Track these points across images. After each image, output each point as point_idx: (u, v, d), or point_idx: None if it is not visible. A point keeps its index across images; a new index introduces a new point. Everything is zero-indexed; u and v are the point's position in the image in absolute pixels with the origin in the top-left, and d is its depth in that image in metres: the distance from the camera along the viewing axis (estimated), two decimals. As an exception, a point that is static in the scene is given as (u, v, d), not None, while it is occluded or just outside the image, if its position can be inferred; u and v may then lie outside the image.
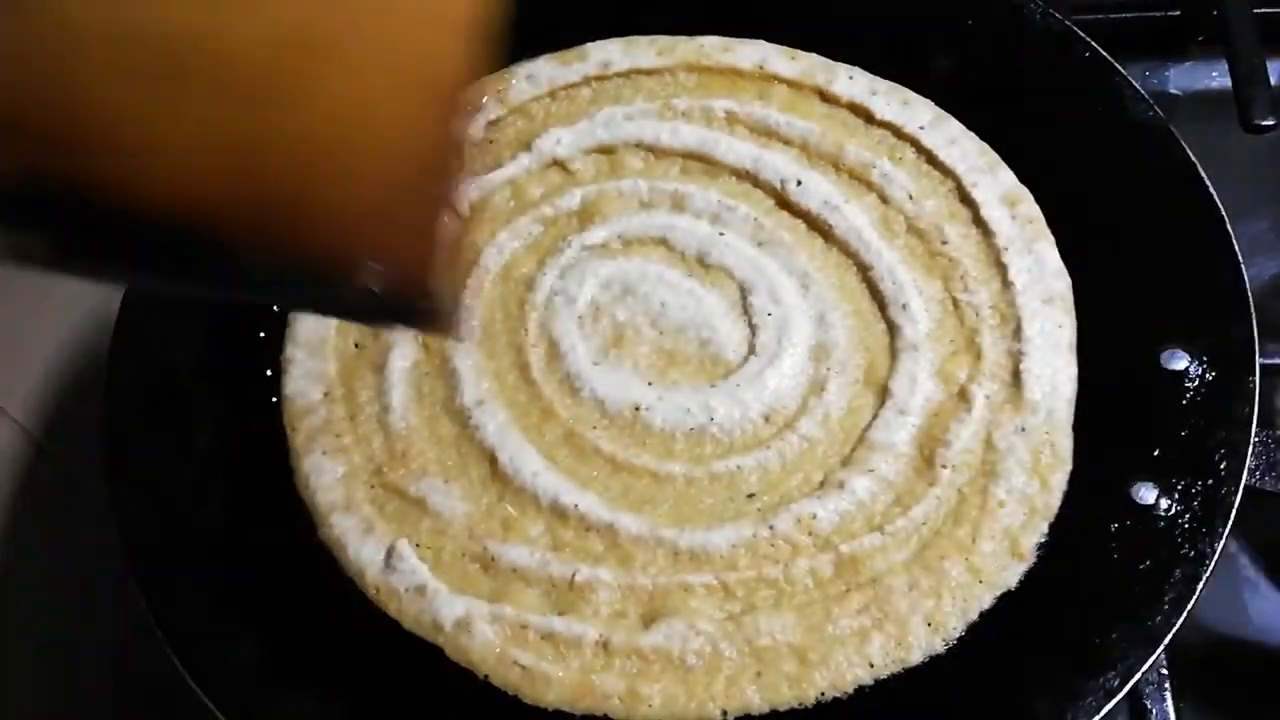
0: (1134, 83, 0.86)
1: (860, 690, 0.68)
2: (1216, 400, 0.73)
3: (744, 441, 0.76)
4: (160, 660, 0.70)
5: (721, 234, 0.84)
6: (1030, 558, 0.71)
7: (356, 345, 0.82)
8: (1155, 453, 0.73)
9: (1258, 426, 0.72)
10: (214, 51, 0.34)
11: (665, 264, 0.84)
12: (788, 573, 0.71)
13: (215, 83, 0.35)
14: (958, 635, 0.69)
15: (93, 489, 0.77)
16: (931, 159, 0.86)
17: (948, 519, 0.73)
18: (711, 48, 0.91)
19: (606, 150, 0.88)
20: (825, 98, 0.89)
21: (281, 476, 0.77)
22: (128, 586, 0.72)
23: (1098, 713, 0.65)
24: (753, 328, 0.80)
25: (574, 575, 0.71)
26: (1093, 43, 0.88)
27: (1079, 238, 0.81)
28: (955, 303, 0.80)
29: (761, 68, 0.90)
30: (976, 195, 0.83)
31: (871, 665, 0.68)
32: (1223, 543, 0.69)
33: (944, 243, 0.82)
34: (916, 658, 0.68)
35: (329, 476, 0.76)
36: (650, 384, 0.79)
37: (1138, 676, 0.65)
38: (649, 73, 0.91)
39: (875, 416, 0.76)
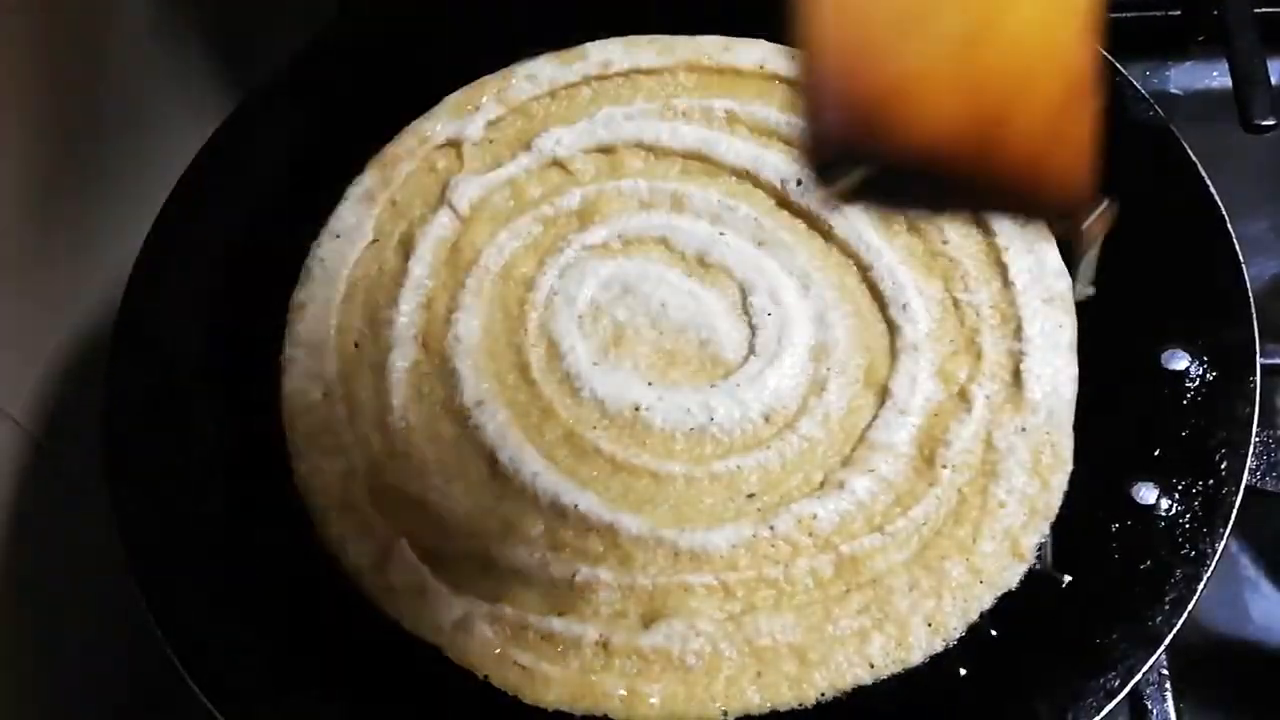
0: (1134, 82, 0.86)
1: (860, 690, 0.68)
2: (1217, 400, 0.73)
3: (744, 441, 0.76)
4: (160, 660, 0.70)
5: (722, 234, 0.84)
6: (1031, 558, 0.71)
7: (356, 345, 0.82)
8: (1156, 453, 0.73)
9: (1258, 426, 0.72)
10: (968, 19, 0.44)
11: (665, 264, 0.84)
12: (788, 573, 0.71)
13: (960, 39, 0.43)
14: (958, 635, 0.69)
15: (93, 489, 0.77)
16: (932, 159, 0.85)
17: (948, 519, 0.72)
18: (711, 47, 0.91)
19: (606, 150, 0.88)
20: (825, 97, 0.89)
21: (281, 476, 0.77)
22: (128, 586, 0.72)
23: (1098, 713, 0.65)
24: (753, 328, 0.80)
25: (574, 575, 0.71)
26: (1093, 43, 0.88)
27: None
28: (956, 303, 0.80)
29: (762, 67, 0.90)
30: (977, 195, 0.83)
31: (872, 666, 0.68)
32: (1223, 543, 0.69)
33: (944, 242, 0.82)
34: (917, 658, 0.68)
35: (328, 476, 0.76)
36: (650, 384, 0.79)
37: (1138, 677, 0.65)
38: (649, 72, 0.91)
39: (875, 416, 0.76)
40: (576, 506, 0.73)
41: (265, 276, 0.85)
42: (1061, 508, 0.72)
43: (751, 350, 0.80)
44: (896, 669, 0.68)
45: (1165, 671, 0.80)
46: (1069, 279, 0.80)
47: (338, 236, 0.86)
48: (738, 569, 0.71)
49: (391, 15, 0.98)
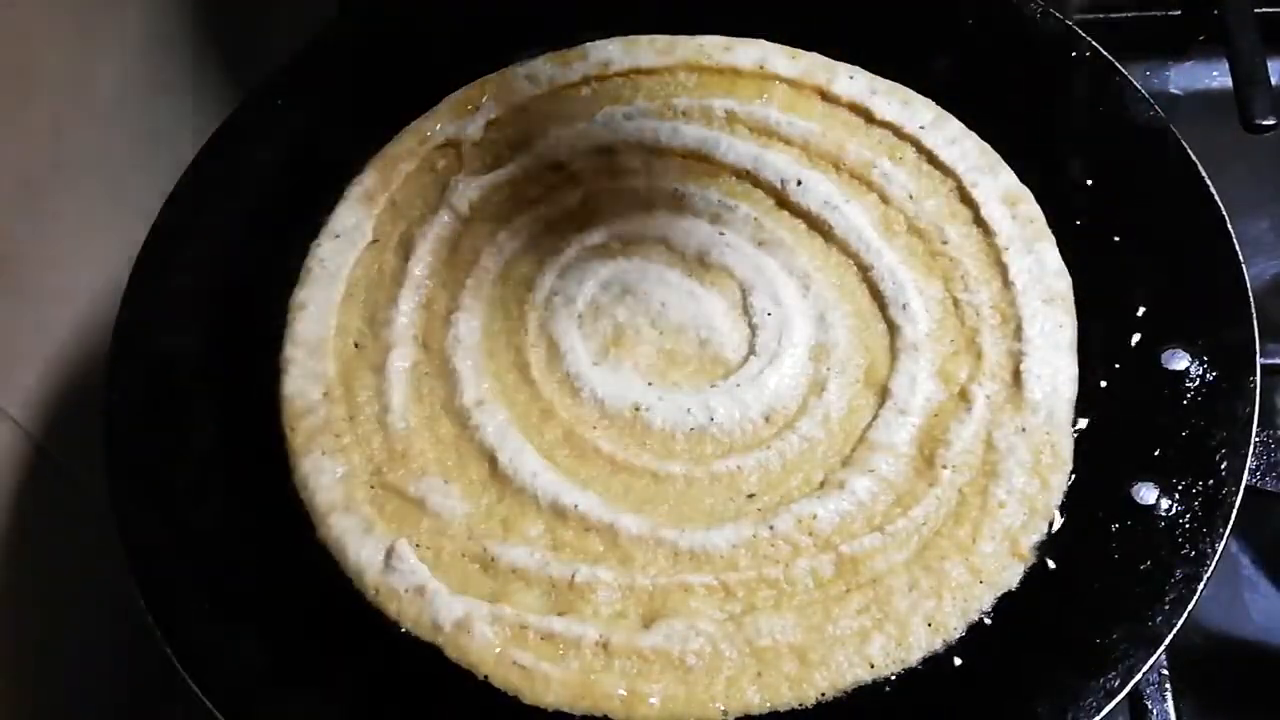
0: (1135, 82, 0.86)
1: (860, 690, 0.68)
2: (1217, 400, 0.73)
3: (744, 441, 0.76)
4: (160, 660, 0.70)
5: (721, 234, 0.84)
6: (1030, 558, 0.71)
7: (356, 345, 0.82)
8: (1156, 453, 0.73)
9: (1258, 426, 0.72)
10: None
11: (665, 264, 0.84)
12: (788, 573, 0.70)
13: None
14: (958, 635, 0.69)
15: (93, 489, 0.77)
16: (932, 159, 0.85)
17: (948, 519, 0.72)
18: (711, 47, 0.91)
19: (606, 150, 0.88)
20: (825, 97, 0.89)
21: (281, 477, 0.77)
22: (128, 586, 0.72)
23: (1098, 713, 0.65)
24: (753, 328, 0.80)
25: (574, 575, 0.71)
26: (1093, 42, 0.88)
27: (1079, 237, 0.81)
28: (956, 303, 0.80)
29: (762, 67, 0.90)
30: (977, 195, 0.83)
31: (872, 666, 0.68)
32: (1223, 543, 0.69)
33: (944, 242, 0.82)
34: (916, 658, 0.68)
35: (328, 477, 0.76)
36: (650, 384, 0.79)
37: (1138, 677, 0.65)
38: (649, 72, 0.91)
39: (875, 417, 0.76)
40: (576, 506, 0.73)
41: (265, 276, 0.85)
42: (1061, 508, 0.72)
43: (751, 350, 0.80)
44: (896, 669, 0.68)
45: (1165, 671, 0.80)
46: (1069, 279, 0.80)
47: (337, 236, 0.86)
48: (738, 569, 0.71)
49: (391, 15, 0.98)
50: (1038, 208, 0.83)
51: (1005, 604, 0.70)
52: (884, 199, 0.84)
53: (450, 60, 0.93)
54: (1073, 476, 0.73)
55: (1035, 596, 0.70)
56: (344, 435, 0.78)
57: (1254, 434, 0.72)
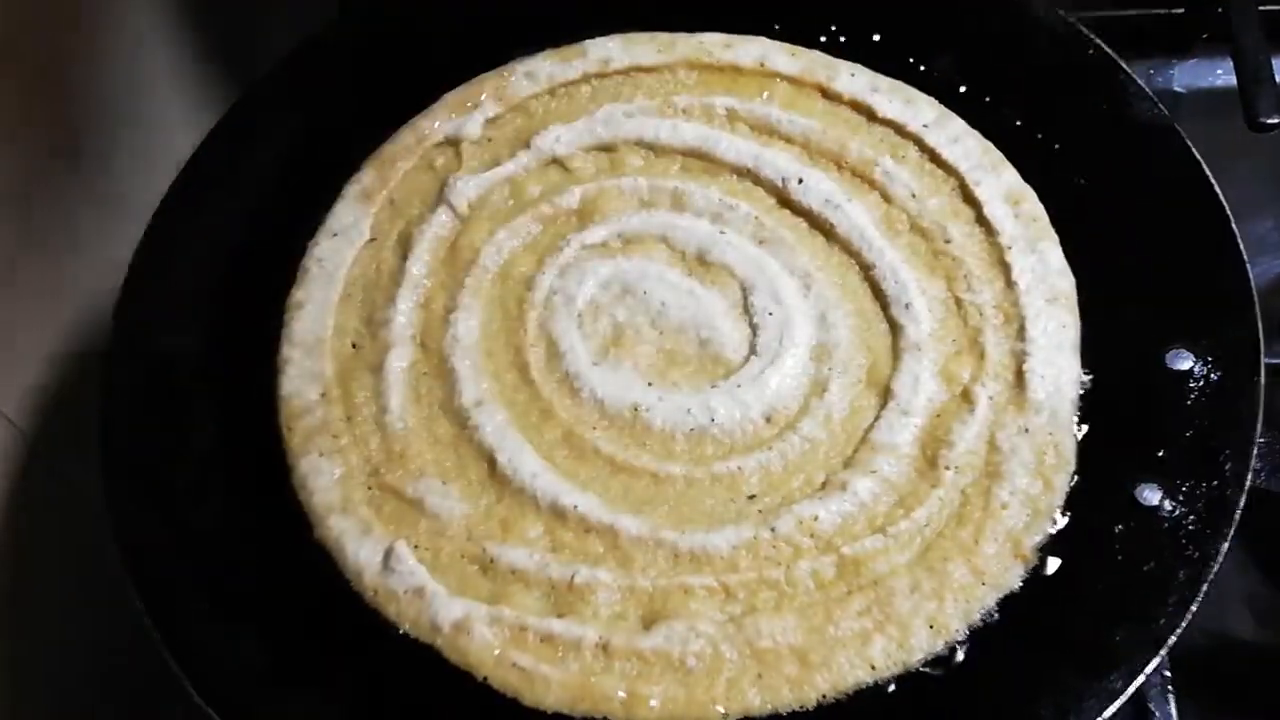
0: (1138, 81, 0.86)
1: (861, 692, 0.67)
2: (1221, 401, 0.73)
3: (745, 442, 0.76)
4: (159, 660, 0.70)
5: (722, 233, 0.84)
6: (1033, 559, 0.70)
7: (354, 345, 0.82)
8: (1159, 454, 0.72)
9: (1262, 427, 0.72)
10: None
11: (665, 263, 0.83)
12: (789, 574, 0.70)
13: None
14: (960, 637, 0.69)
15: (90, 489, 0.77)
16: (934, 157, 0.85)
17: (950, 520, 0.72)
18: (712, 45, 0.91)
19: (606, 148, 0.88)
20: (827, 95, 0.89)
21: (279, 477, 0.77)
22: (127, 586, 0.72)
23: (1101, 714, 0.65)
24: (754, 327, 0.80)
25: (573, 577, 0.71)
26: (1097, 40, 0.88)
27: (1083, 237, 0.81)
28: (958, 302, 0.80)
29: (762, 65, 0.90)
30: (979, 194, 0.83)
31: (873, 667, 0.68)
32: (1227, 544, 0.68)
33: (947, 242, 0.82)
34: (918, 660, 0.68)
35: (326, 478, 0.76)
36: (650, 384, 0.78)
37: (1141, 678, 0.65)
38: (649, 70, 0.91)
39: (878, 417, 0.76)
40: (576, 507, 0.73)
41: (262, 276, 0.84)
42: (1064, 509, 0.72)
43: (752, 350, 0.79)
44: (898, 671, 0.68)
45: (1168, 673, 0.80)
46: (1072, 278, 0.80)
47: (335, 235, 0.86)
48: (738, 570, 0.71)
49: (391, 15, 0.98)
50: (1041, 207, 0.82)
51: (1008, 605, 0.70)
52: (886, 198, 0.84)
53: (449, 58, 0.93)
54: (1076, 477, 0.73)
55: (1038, 598, 0.69)
56: (342, 436, 0.77)
57: (1258, 435, 0.71)
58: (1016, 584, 0.70)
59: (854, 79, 0.89)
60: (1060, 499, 0.72)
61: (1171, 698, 0.81)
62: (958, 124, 0.86)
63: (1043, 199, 0.83)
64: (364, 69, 0.94)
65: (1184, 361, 0.75)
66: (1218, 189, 0.80)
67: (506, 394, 0.79)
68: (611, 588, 0.70)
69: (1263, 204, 1.06)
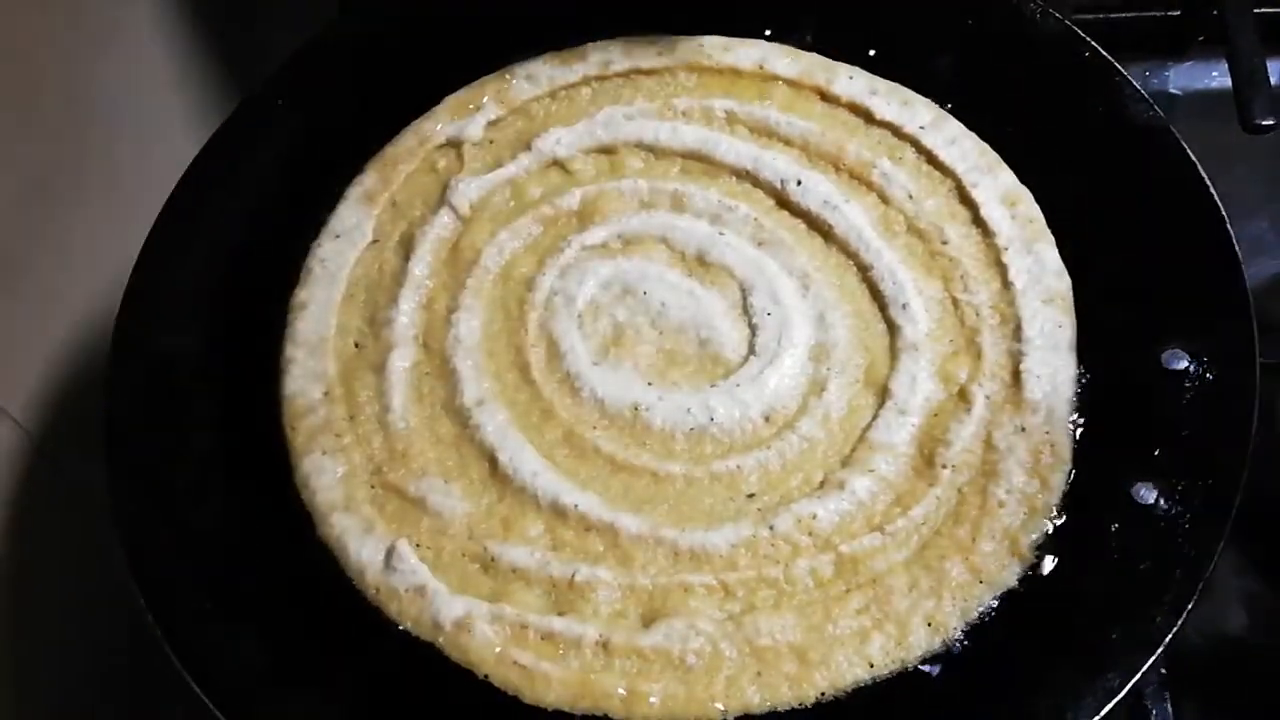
0: (1134, 82, 0.86)
1: (860, 690, 0.68)
2: (1217, 400, 0.73)
3: (744, 441, 0.76)
4: (160, 660, 0.70)
5: (721, 234, 0.84)
6: (1030, 558, 0.71)
7: (356, 345, 0.82)
8: (1155, 453, 0.73)
9: (1258, 426, 0.72)
10: None
11: (665, 264, 0.84)
12: (788, 573, 0.71)
13: None
14: (958, 635, 0.69)
15: (93, 489, 0.77)
16: (931, 159, 0.85)
17: (948, 519, 0.72)
18: (711, 47, 0.91)
19: (606, 150, 0.88)
20: (825, 97, 0.89)
21: (281, 476, 0.77)
22: (128, 586, 0.72)
23: (1098, 713, 0.65)
24: (753, 328, 0.80)
25: (574, 575, 0.71)
26: (1093, 42, 0.88)
27: (1079, 238, 0.81)
28: (955, 303, 0.80)
29: (761, 67, 0.90)
30: (976, 195, 0.83)
31: (871, 665, 0.68)
32: (1223, 543, 0.69)
33: (944, 242, 0.82)
34: (916, 658, 0.68)
35: (329, 476, 0.76)
36: (650, 384, 0.79)
37: (1138, 676, 0.65)
38: (649, 73, 0.91)
39: (875, 416, 0.76)
40: (576, 506, 0.73)
41: (265, 276, 0.85)
42: (1061, 507, 0.72)
43: (751, 350, 0.80)
44: (896, 669, 0.68)
45: (1165, 671, 0.80)
46: (1068, 279, 0.80)
47: (338, 236, 0.86)
48: (737, 569, 0.71)
49: (391, 15, 0.98)
50: (1037, 208, 0.83)
51: (1005, 603, 0.70)
52: (884, 199, 0.84)
53: (450, 60, 0.93)
54: (1072, 476, 0.73)
55: (1035, 596, 0.70)
56: (344, 435, 0.78)
57: (1253, 434, 0.72)
58: (1014, 582, 0.70)
59: (852, 81, 0.89)
60: (1057, 498, 0.72)
61: (1168, 696, 0.81)
62: (955, 126, 0.87)
63: (1039, 200, 0.83)
64: (366, 72, 0.94)
65: (1180, 361, 0.75)
66: (1213, 190, 0.80)
67: (508, 394, 0.79)
68: (612, 586, 0.71)
69: (1258, 205, 1.06)
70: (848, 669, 0.68)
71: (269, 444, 0.78)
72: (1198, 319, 0.76)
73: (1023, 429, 0.74)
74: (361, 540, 0.73)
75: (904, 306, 0.79)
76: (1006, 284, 0.80)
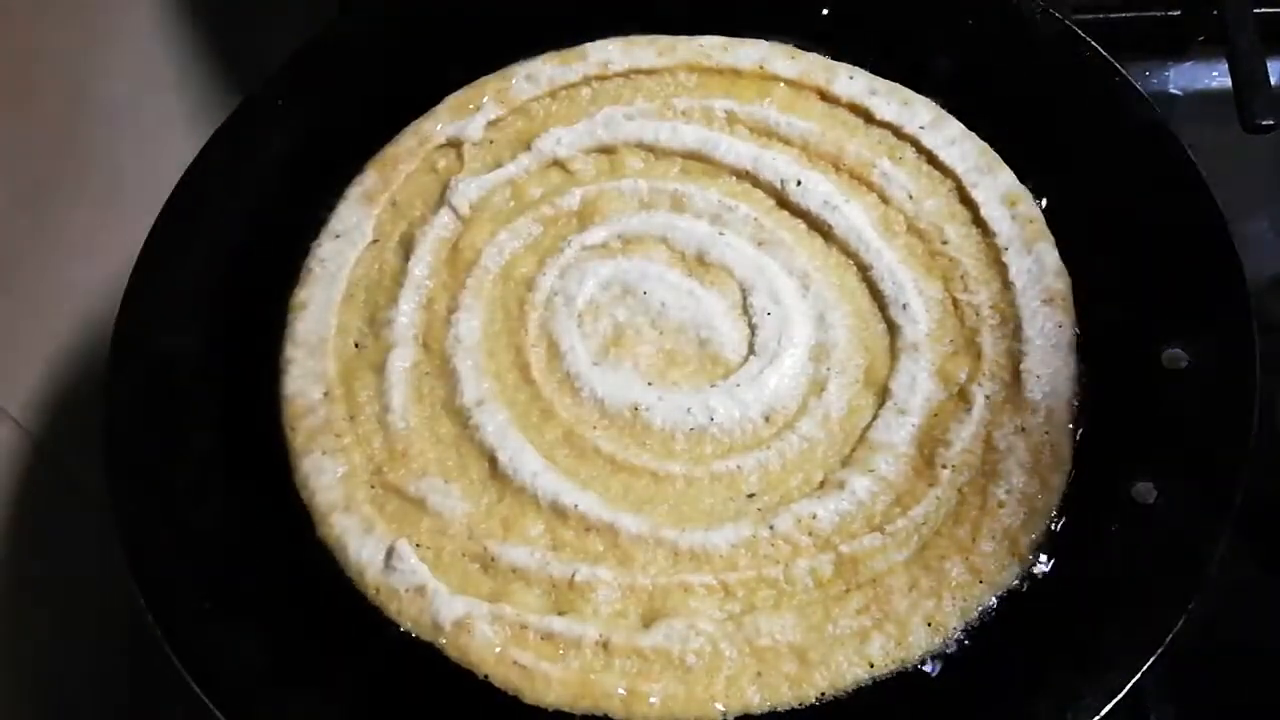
0: (1134, 82, 0.86)
1: (860, 690, 0.68)
2: (1217, 400, 0.73)
3: (744, 441, 0.76)
4: (160, 660, 0.70)
5: (721, 234, 0.84)
6: (1030, 558, 0.71)
7: (356, 345, 0.82)
8: (1155, 452, 0.73)
9: (1257, 426, 0.72)
10: None
11: (665, 264, 0.84)
12: (788, 573, 0.71)
13: None
14: (957, 635, 0.69)
15: (93, 489, 0.77)
16: (931, 159, 0.86)
17: (948, 519, 0.72)
18: (711, 47, 0.91)
19: (606, 150, 0.88)
20: (825, 97, 0.89)
21: (281, 476, 0.77)
22: (128, 586, 0.72)
23: (1098, 713, 0.65)
24: (752, 328, 0.80)
25: (574, 575, 0.71)
26: (1093, 42, 0.88)
27: (1079, 237, 0.81)
28: (955, 303, 0.80)
29: (761, 67, 0.90)
30: (976, 195, 0.83)
31: (871, 665, 0.68)
32: (1223, 543, 0.69)
33: (944, 242, 0.82)
34: (916, 658, 0.68)
35: (329, 476, 0.76)
36: (650, 384, 0.79)
37: (1138, 676, 0.65)
38: (649, 73, 0.91)
39: (875, 416, 0.76)
40: (576, 506, 0.73)
41: (265, 276, 0.85)
42: (1061, 507, 0.72)
43: (751, 350, 0.80)
44: (896, 669, 0.68)
45: (1165, 671, 0.80)
46: (1068, 278, 0.80)
47: (338, 236, 0.86)
48: (737, 569, 0.71)
49: (391, 15, 0.98)
50: (1037, 208, 0.83)
51: (1005, 603, 0.70)
52: (884, 199, 0.85)
53: (450, 60, 0.93)
54: (1072, 476, 0.73)
55: (1035, 596, 0.70)
56: (344, 435, 0.78)
57: (1253, 433, 0.72)
58: (1014, 582, 0.70)
59: (852, 81, 0.89)
60: (1057, 498, 0.72)
61: (1168, 696, 0.81)
62: (955, 126, 0.87)
63: (1039, 200, 0.83)
64: (366, 72, 0.94)
65: (1179, 361, 0.75)
66: (1213, 190, 0.80)
67: (508, 394, 0.79)
68: (612, 586, 0.71)
69: (1257, 205, 1.06)
70: (848, 669, 0.68)
71: (269, 444, 0.78)
72: (1198, 319, 0.76)
73: (1023, 429, 0.74)
74: (361, 540, 0.73)
75: (904, 306, 0.80)
76: (1006, 284, 0.80)
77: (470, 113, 0.90)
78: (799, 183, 0.85)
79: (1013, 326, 0.78)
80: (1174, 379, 0.75)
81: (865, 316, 0.81)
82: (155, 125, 1.07)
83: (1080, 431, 0.75)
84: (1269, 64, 0.93)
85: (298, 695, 0.70)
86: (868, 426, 0.76)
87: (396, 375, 0.80)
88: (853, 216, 0.83)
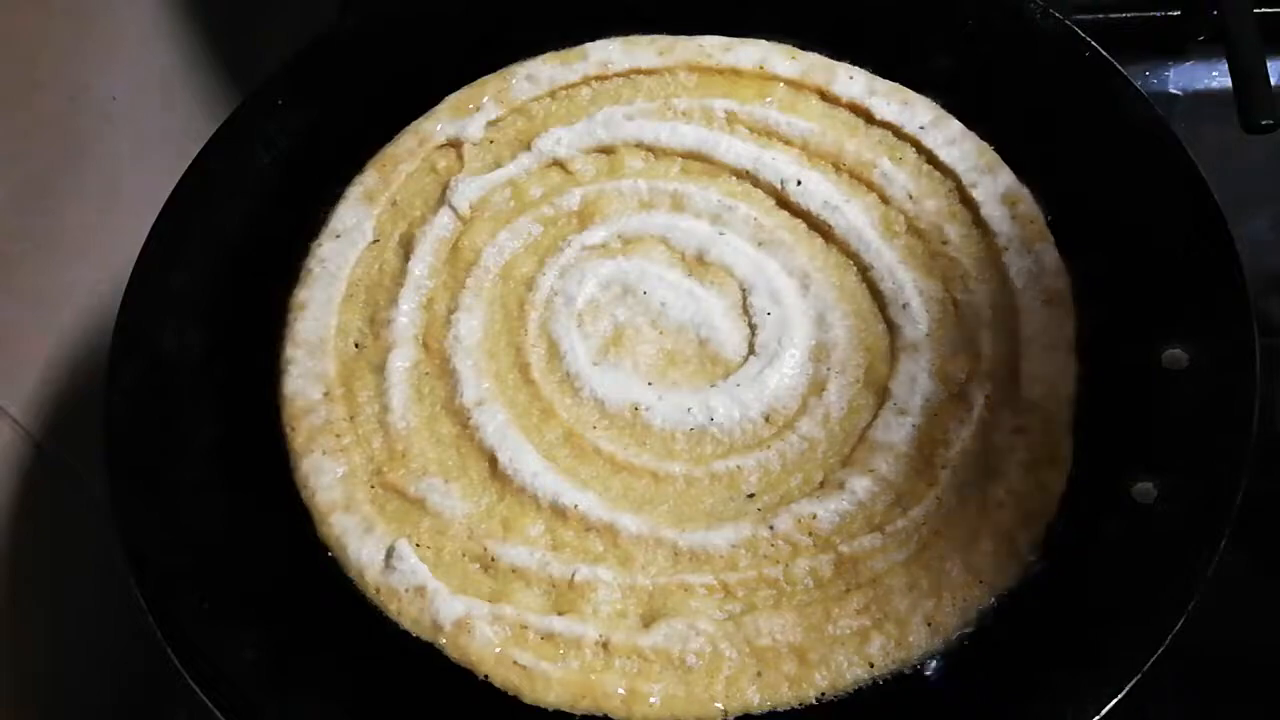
0: (1134, 82, 0.86)
1: (860, 690, 0.68)
2: (1216, 400, 0.73)
3: (744, 441, 0.76)
4: (160, 660, 0.70)
5: (721, 234, 0.84)
6: (1029, 558, 0.71)
7: (356, 345, 0.82)
8: (1155, 452, 0.73)
9: (1257, 426, 0.72)
10: None
11: (665, 264, 0.84)
12: (788, 573, 0.71)
13: None
14: (957, 635, 0.69)
15: (93, 489, 0.77)
16: (932, 159, 0.85)
17: (948, 519, 0.72)
18: (712, 47, 0.91)
19: (606, 150, 0.88)
20: (825, 97, 0.89)
21: (281, 476, 0.77)
22: (128, 586, 0.72)
23: (1098, 713, 0.65)
24: (752, 328, 0.80)
25: (574, 575, 0.71)
26: (1093, 42, 0.88)
27: (1078, 238, 0.81)
28: (955, 303, 0.80)
29: (762, 67, 0.90)
30: (976, 195, 0.83)
31: (871, 665, 0.68)
32: (1223, 543, 0.69)
33: (944, 243, 0.82)
34: (916, 658, 0.68)
35: (329, 476, 0.76)
36: (650, 384, 0.79)
37: (1137, 677, 0.65)
38: (649, 72, 0.91)
39: (875, 416, 0.76)
40: (576, 506, 0.73)
41: (265, 276, 0.85)
42: (1060, 507, 0.72)
43: (751, 350, 0.80)
44: (896, 669, 0.68)
45: (1165, 671, 0.80)
46: (1068, 279, 0.80)
47: (338, 236, 0.86)
48: (738, 569, 0.71)
49: (391, 15, 0.98)
50: (1037, 208, 0.83)
51: (1004, 603, 0.70)
52: (884, 199, 0.85)
53: (450, 60, 0.93)
54: (1072, 476, 0.73)
55: (1034, 596, 0.70)
56: (344, 435, 0.78)
57: (1253, 433, 0.72)
58: (1013, 582, 0.70)
59: (852, 81, 0.89)
60: (1057, 498, 0.72)
61: (1168, 696, 0.81)
62: (955, 126, 0.87)
63: (1039, 200, 0.83)
64: (366, 72, 0.94)
65: (1179, 361, 0.75)
66: (1213, 190, 0.80)
67: (508, 394, 0.79)
68: (612, 586, 0.71)
69: (1257, 205, 1.06)
70: (848, 669, 0.68)
71: (269, 444, 0.78)
72: (1197, 319, 0.76)
73: (1022, 429, 0.74)
74: (362, 540, 0.73)
75: (904, 306, 0.80)
76: (1006, 284, 0.80)
77: (470, 113, 0.90)
78: (799, 183, 0.85)
79: (1012, 327, 0.78)
80: (1174, 379, 0.75)
81: (865, 316, 0.81)
82: (155, 125, 1.07)
83: (1079, 432, 0.75)
84: (1269, 64, 0.93)
85: (298, 695, 0.70)
86: (868, 426, 0.76)
87: (396, 375, 0.80)
88: (853, 216, 0.83)
